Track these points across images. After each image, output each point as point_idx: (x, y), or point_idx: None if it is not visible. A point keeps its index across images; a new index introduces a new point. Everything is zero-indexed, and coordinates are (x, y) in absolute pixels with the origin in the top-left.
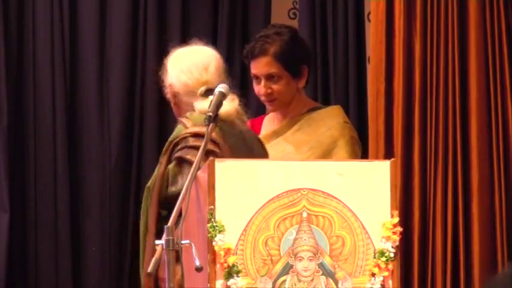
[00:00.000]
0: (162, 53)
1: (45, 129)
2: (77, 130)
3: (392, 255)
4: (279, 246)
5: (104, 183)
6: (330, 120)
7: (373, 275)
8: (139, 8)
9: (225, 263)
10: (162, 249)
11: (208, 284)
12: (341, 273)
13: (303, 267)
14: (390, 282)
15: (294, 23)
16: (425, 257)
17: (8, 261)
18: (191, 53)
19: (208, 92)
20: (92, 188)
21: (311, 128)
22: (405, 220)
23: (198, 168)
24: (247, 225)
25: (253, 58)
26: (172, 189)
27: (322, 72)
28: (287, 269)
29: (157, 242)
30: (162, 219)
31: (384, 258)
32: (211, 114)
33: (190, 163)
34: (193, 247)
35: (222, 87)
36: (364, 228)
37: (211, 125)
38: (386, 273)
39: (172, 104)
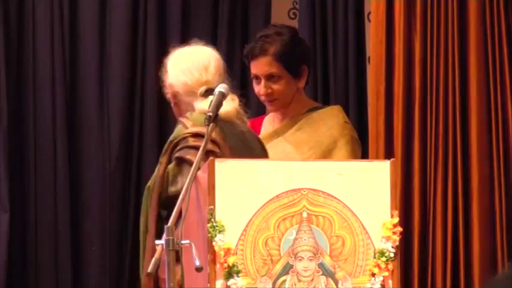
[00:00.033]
0: (162, 53)
1: (45, 129)
2: (77, 130)
3: (392, 255)
4: (279, 246)
5: (104, 183)
6: (330, 120)
7: (373, 275)
8: (139, 8)
9: (225, 263)
10: (162, 249)
11: (208, 284)
12: (341, 273)
13: (303, 267)
14: (390, 282)
15: (294, 23)
16: (425, 257)
17: (8, 261)
18: (191, 53)
19: (208, 92)
20: (92, 188)
21: (311, 128)
22: (405, 220)
23: (198, 168)
24: (247, 225)
25: (254, 58)
26: (172, 189)
27: (322, 72)
28: (287, 269)
29: (157, 242)
30: (162, 220)
31: (383, 258)
32: (211, 114)
33: (189, 163)
34: (193, 247)
35: (222, 87)
36: (364, 228)
37: (211, 125)
38: (386, 273)
39: (172, 104)
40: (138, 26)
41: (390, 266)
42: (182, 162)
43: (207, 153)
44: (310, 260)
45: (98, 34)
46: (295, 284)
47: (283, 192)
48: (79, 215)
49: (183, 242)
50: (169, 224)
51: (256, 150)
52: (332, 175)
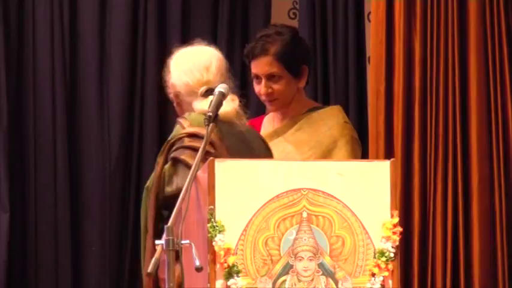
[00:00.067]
0: (162, 53)
1: (45, 129)
2: (77, 130)
3: (392, 255)
4: (279, 246)
5: (104, 183)
6: (330, 120)
7: (373, 275)
8: (139, 8)
9: (225, 263)
10: (162, 249)
11: (208, 284)
12: (341, 273)
13: (303, 267)
14: (390, 282)
15: (294, 23)
16: (425, 257)
17: (8, 261)
18: (193, 53)
19: (209, 92)
20: (92, 188)
21: (311, 128)
22: (405, 220)
23: (198, 168)
24: (247, 225)
25: (254, 58)
26: (168, 189)
27: (322, 72)
28: (287, 269)
29: (157, 242)
30: (163, 220)
31: (383, 258)
32: (211, 114)
33: (184, 163)
34: (193, 247)
35: (221, 87)
36: (364, 228)
37: (211, 125)
38: (386, 273)
39: (175, 104)
40: (138, 26)
41: (390, 266)
42: (177, 163)
43: None
44: (310, 260)
45: (98, 34)
46: (295, 284)
47: (283, 192)
48: (79, 215)
49: (183, 242)
50: (169, 224)
51: (257, 150)
52: (332, 175)
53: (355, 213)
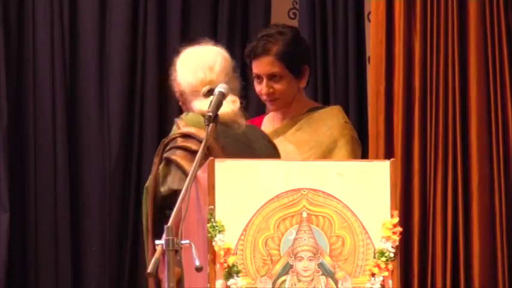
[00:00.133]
0: (162, 53)
1: (45, 129)
2: (76, 130)
3: (392, 255)
4: (279, 246)
5: (103, 183)
6: (330, 120)
7: (373, 275)
8: (139, 8)
9: (225, 263)
10: (162, 249)
11: (208, 284)
12: (341, 273)
13: (302, 267)
14: (390, 282)
15: (294, 23)
16: (425, 257)
17: (8, 261)
18: (198, 53)
19: (211, 92)
20: (91, 188)
21: (311, 127)
22: (405, 220)
23: (198, 167)
24: (247, 225)
25: (256, 57)
26: (162, 189)
27: (322, 72)
28: (287, 269)
29: (157, 242)
30: (165, 219)
31: (383, 258)
32: (211, 114)
33: (175, 163)
34: (193, 247)
35: (221, 87)
36: (364, 228)
37: (211, 125)
38: (386, 273)
39: (180, 103)
40: (138, 25)
41: (390, 266)
42: (170, 163)
43: (194, 153)
44: (310, 260)
45: (98, 34)
46: (295, 284)
47: (283, 192)
48: (79, 215)
49: (183, 242)
50: (169, 224)
51: (258, 150)
52: (332, 175)
53: (355, 213)
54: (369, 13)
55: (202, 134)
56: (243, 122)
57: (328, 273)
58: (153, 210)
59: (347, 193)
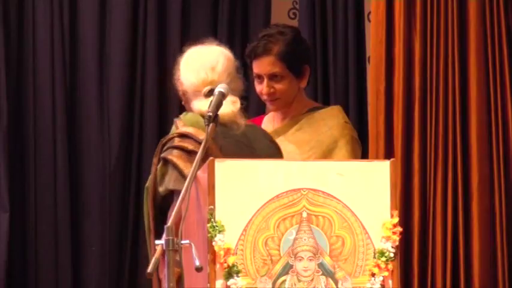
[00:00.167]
0: (162, 53)
1: (45, 130)
2: (77, 130)
3: (392, 255)
4: (279, 246)
5: (103, 183)
6: (331, 120)
7: (373, 275)
8: (139, 8)
9: (225, 263)
10: (162, 249)
11: (208, 284)
12: (341, 273)
13: (302, 267)
14: (390, 282)
15: (294, 23)
16: (425, 257)
17: (8, 261)
18: (201, 53)
19: (212, 92)
20: (91, 188)
21: (312, 127)
22: (405, 220)
23: (198, 168)
24: (247, 225)
25: (256, 57)
26: (160, 189)
27: (322, 72)
28: (287, 269)
29: (157, 242)
30: (164, 219)
31: (383, 258)
32: (211, 114)
33: (171, 163)
34: (193, 247)
35: (221, 87)
36: (364, 228)
37: (211, 125)
38: (386, 273)
39: (183, 102)
40: (138, 25)
41: (390, 266)
42: (167, 163)
43: (190, 153)
44: (310, 260)
45: (98, 34)
46: (295, 284)
47: (283, 192)
48: (79, 215)
49: (183, 242)
50: (168, 224)
51: (258, 150)
52: (332, 175)
53: (355, 213)
54: (369, 13)
55: (200, 134)
56: (242, 122)
57: (328, 273)
58: (153, 210)
59: (347, 193)
